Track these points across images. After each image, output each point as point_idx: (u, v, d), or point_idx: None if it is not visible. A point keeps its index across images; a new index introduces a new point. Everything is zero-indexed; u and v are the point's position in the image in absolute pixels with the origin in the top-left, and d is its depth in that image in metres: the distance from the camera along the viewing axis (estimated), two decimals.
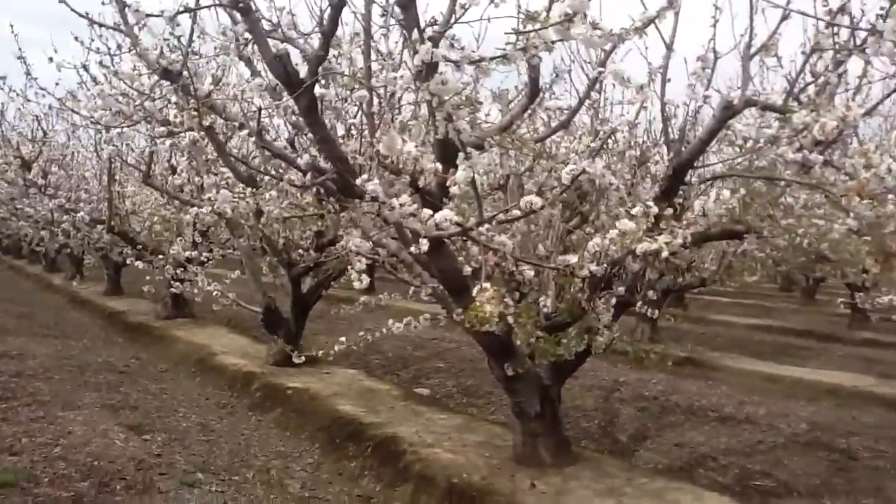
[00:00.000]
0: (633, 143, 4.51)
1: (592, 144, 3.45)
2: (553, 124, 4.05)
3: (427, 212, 2.20)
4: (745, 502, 4.20)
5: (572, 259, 2.37)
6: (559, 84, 3.49)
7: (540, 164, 3.05)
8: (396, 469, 4.44)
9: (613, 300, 3.65)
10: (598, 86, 3.92)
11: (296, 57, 3.10)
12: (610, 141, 4.50)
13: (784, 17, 3.28)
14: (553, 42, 2.60)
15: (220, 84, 3.55)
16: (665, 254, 2.37)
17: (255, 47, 3.09)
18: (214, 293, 6.80)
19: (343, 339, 4.68)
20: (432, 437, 4.82)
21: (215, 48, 3.65)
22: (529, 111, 3.08)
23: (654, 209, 2.67)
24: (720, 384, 7.34)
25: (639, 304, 4.05)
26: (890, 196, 3.37)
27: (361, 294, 5.28)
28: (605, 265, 2.54)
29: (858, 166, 3.42)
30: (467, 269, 2.98)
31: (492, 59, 2.74)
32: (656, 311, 5.01)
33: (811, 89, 3.69)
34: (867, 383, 7.18)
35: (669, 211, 3.13)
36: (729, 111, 3.20)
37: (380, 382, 6.58)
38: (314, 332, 8.00)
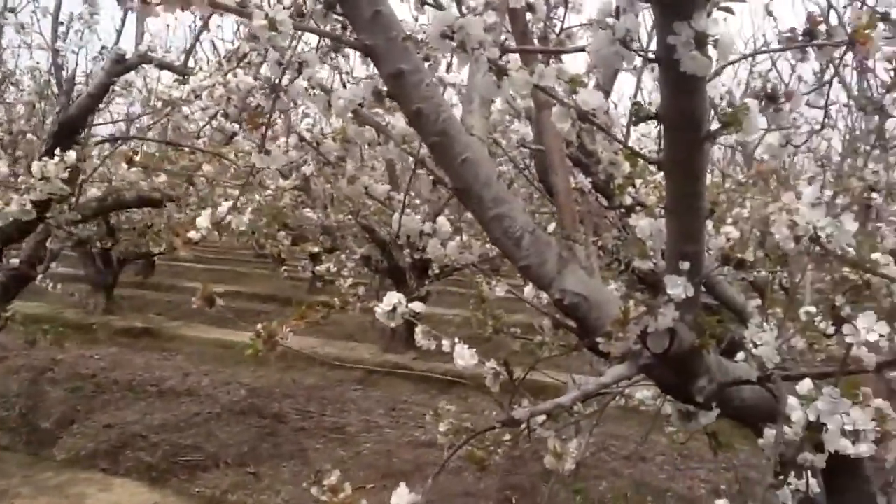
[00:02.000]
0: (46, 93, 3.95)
1: None
2: None
3: None
4: (168, 480, 4.05)
5: None
6: None
7: None
8: None
9: None
10: None
11: None
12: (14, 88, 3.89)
13: None
14: None
15: None
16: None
17: None
18: None
19: None
20: None
21: None
22: None
23: (4, 169, 2.24)
24: (176, 355, 7.09)
25: (39, 277, 3.55)
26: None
27: None
28: None
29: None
30: None
31: None
32: (49, 282, 4.51)
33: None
34: (312, 344, 7.59)
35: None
36: (121, 65, 2.90)
37: None
38: None
